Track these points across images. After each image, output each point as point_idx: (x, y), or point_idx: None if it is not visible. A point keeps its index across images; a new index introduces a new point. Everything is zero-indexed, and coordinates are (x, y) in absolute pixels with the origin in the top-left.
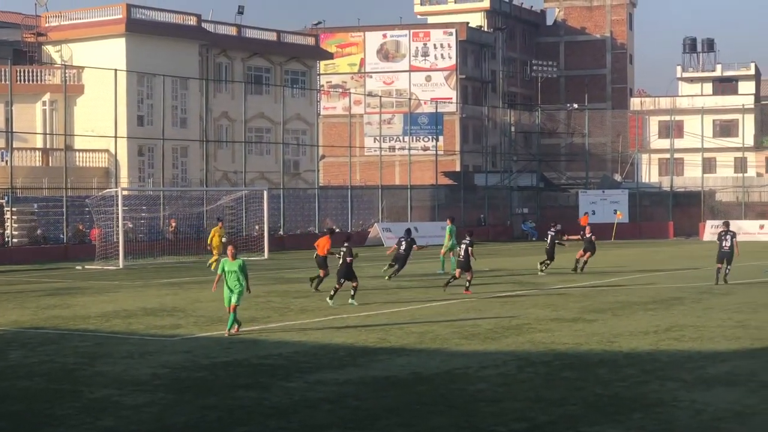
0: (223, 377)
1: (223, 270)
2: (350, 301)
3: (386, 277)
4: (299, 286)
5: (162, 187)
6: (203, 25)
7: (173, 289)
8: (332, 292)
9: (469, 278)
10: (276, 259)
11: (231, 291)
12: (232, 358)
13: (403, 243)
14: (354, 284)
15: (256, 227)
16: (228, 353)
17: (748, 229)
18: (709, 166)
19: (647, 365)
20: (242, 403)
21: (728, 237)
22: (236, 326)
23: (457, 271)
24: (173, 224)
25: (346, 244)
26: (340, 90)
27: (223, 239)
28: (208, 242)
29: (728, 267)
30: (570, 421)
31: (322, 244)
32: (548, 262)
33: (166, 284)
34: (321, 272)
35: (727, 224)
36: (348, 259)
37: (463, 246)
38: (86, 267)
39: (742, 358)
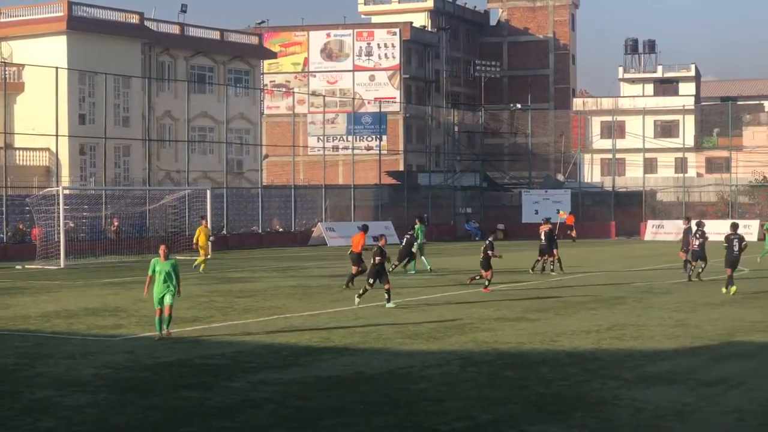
0: (166, 377)
1: (154, 270)
2: (388, 305)
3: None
4: (242, 286)
5: (104, 186)
6: (146, 23)
7: (115, 288)
8: (361, 291)
9: (489, 277)
10: (219, 258)
11: (163, 291)
12: (175, 358)
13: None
14: (386, 286)
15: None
16: (171, 353)
17: None
18: (650, 166)
19: (589, 364)
20: (185, 403)
21: (736, 241)
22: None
23: (483, 272)
24: (115, 224)
25: (377, 244)
26: (284, 89)
27: (211, 238)
28: (194, 242)
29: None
30: (512, 419)
31: (357, 241)
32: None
33: (108, 284)
34: (354, 269)
35: (735, 226)
36: (377, 259)
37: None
38: (26, 267)
39: (682, 357)
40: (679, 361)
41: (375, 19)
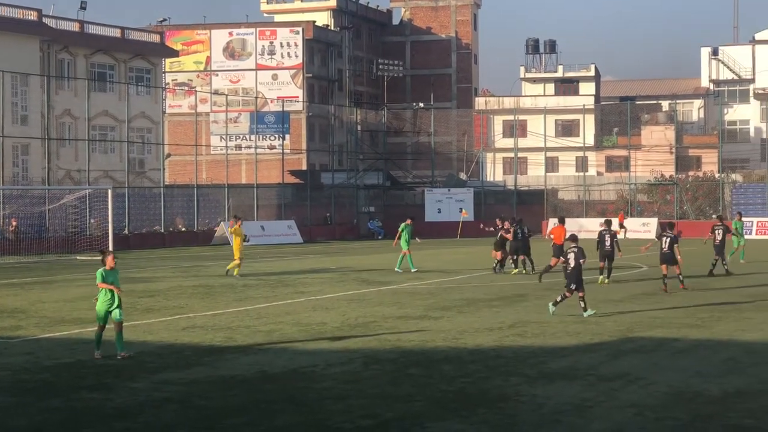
0: (66, 378)
1: (103, 281)
2: (586, 314)
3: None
4: (144, 286)
5: (1, 186)
6: (44, 20)
7: (14, 289)
8: (558, 299)
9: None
10: (121, 258)
11: (111, 305)
12: (76, 359)
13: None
14: (581, 294)
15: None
16: (72, 354)
17: (589, 227)
18: (551, 165)
19: (491, 361)
20: (86, 404)
21: (607, 236)
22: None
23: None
24: (14, 224)
25: (574, 245)
26: (186, 88)
27: (247, 239)
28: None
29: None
30: (416, 417)
31: (558, 233)
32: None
33: (7, 285)
34: (553, 261)
35: (608, 223)
36: (581, 261)
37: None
38: None
39: (582, 353)
40: (579, 357)
41: (278, 18)
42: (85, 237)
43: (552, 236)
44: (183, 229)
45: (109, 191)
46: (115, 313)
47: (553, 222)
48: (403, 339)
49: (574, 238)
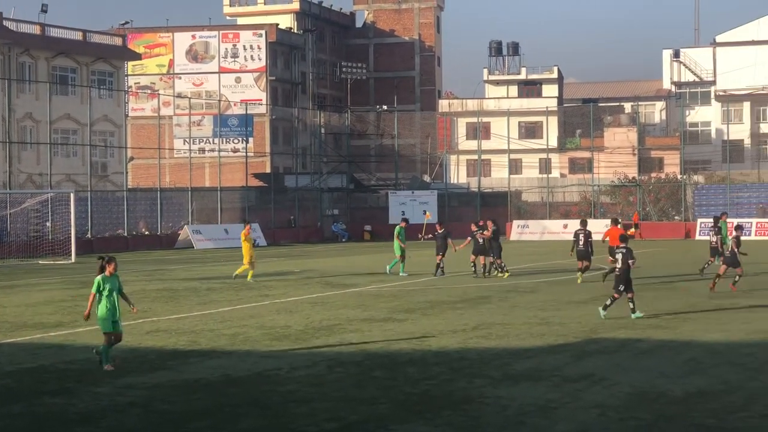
0: (28, 383)
1: (99, 289)
2: (634, 315)
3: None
4: None
5: None
6: (5, 23)
7: None
8: (608, 302)
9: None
10: (84, 262)
11: (114, 314)
12: (38, 364)
13: (581, 236)
14: (630, 294)
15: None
16: (34, 359)
17: (552, 229)
18: (515, 167)
19: (455, 363)
20: (49, 409)
21: (582, 236)
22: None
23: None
24: None
25: (623, 246)
26: (149, 91)
27: (256, 244)
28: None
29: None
30: (380, 419)
31: (613, 234)
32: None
33: None
34: (610, 260)
35: (584, 223)
36: (630, 262)
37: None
38: None
39: (547, 354)
40: (543, 358)
41: (241, 21)
42: (47, 241)
43: (608, 239)
44: (146, 232)
45: (72, 195)
46: (119, 324)
47: (605, 224)
48: (368, 342)
49: (624, 238)
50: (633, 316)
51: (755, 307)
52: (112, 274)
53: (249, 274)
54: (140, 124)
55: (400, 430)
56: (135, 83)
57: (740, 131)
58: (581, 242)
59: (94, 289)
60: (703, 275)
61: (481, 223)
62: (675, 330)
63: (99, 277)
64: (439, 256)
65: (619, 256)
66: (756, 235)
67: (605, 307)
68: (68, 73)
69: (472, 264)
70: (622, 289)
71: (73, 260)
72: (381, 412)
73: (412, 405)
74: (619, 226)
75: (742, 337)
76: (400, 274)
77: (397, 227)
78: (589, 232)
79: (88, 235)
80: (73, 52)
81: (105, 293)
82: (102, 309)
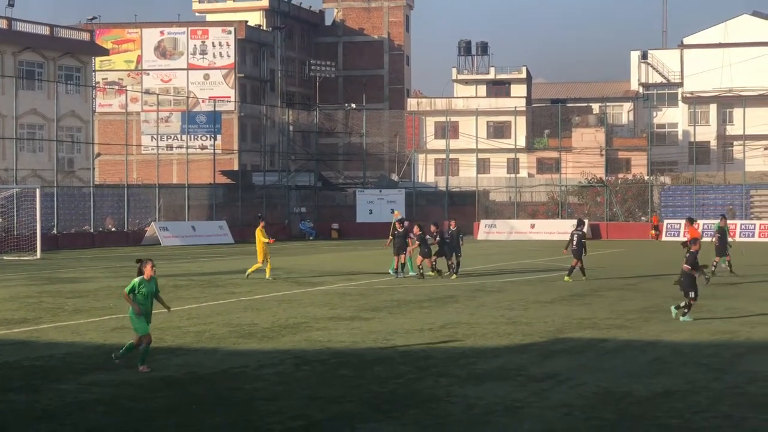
0: None
1: (134, 292)
2: (683, 318)
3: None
4: (73, 286)
5: None
6: None
7: None
8: (683, 305)
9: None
10: (49, 258)
11: (148, 317)
12: (2, 361)
13: (575, 236)
14: (691, 296)
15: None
16: None
17: (520, 228)
18: (483, 166)
19: (422, 362)
20: (12, 406)
21: (576, 236)
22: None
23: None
24: None
25: (692, 245)
26: (117, 87)
27: (265, 240)
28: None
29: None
30: (347, 418)
31: (693, 234)
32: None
33: None
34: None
35: (580, 223)
36: (685, 266)
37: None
38: None
39: (513, 353)
40: (509, 357)
41: (210, 18)
42: (12, 237)
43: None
44: (113, 229)
45: (38, 191)
46: (149, 326)
47: (572, 224)
48: (334, 340)
49: (694, 241)
50: (681, 317)
51: (718, 308)
52: (151, 277)
53: (267, 270)
54: (108, 120)
55: (366, 429)
56: (102, 79)
57: (707, 133)
58: (575, 242)
59: (127, 290)
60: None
61: (433, 229)
62: (640, 330)
63: (137, 280)
64: (402, 256)
65: (692, 252)
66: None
67: (684, 314)
68: (35, 68)
69: (420, 266)
70: (694, 295)
71: (38, 256)
72: (347, 410)
73: (378, 404)
74: (695, 225)
75: (706, 338)
76: (410, 273)
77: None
78: (584, 233)
79: (54, 231)
80: (40, 47)
81: (140, 297)
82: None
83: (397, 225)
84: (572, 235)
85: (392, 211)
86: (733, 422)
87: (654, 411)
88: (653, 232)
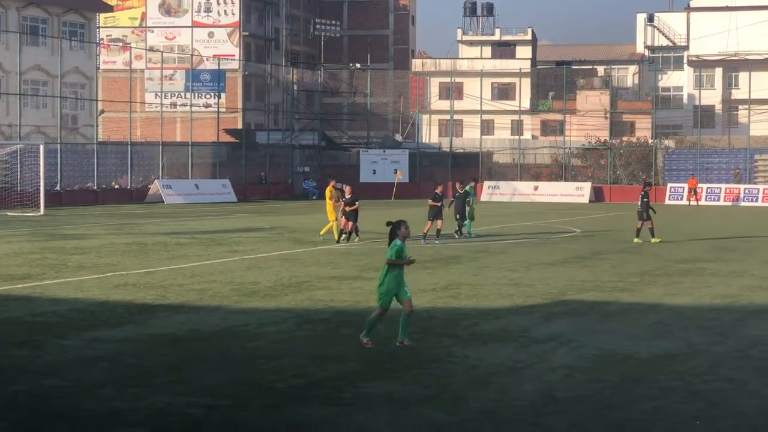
0: None
1: (399, 255)
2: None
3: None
4: (76, 243)
5: None
6: None
7: None
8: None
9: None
10: (52, 215)
11: (401, 282)
12: (5, 316)
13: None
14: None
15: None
16: (1, 311)
17: (523, 190)
18: (487, 128)
19: (424, 323)
20: (15, 361)
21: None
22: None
23: None
24: None
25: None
26: (121, 44)
27: (342, 200)
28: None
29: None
30: (349, 377)
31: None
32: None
33: None
34: None
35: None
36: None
37: None
38: None
39: (515, 315)
40: (512, 319)
41: None
42: (15, 192)
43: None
44: (126, 187)
45: (41, 147)
46: (404, 291)
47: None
48: (337, 299)
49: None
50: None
51: (720, 272)
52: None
53: (326, 228)
54: (111, 77)
55: (368, 388)
56: (107, 35)
57: (712, 97)
58: (639, 204)
59: (393, 255)
60: None
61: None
62: (642, 293)
63: (401, 243)
64: (439, 222)
65: None
66: (725, 200)
67: None
68: (39, 24)
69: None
70: None
71: (41, 212)
72: (349, 369)
73: (380, 363)
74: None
75: (707, 301)
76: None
77: (469, 186)
78: (645, 193)
79: (57, 188)
80: (44, 3)
81: (393, 267)
82: (390, 280)
83: (439, 189)
84: (641, 197)
85: (395, 172)
86: (734, 385)
87: (655, 373)
88: (692, 194)
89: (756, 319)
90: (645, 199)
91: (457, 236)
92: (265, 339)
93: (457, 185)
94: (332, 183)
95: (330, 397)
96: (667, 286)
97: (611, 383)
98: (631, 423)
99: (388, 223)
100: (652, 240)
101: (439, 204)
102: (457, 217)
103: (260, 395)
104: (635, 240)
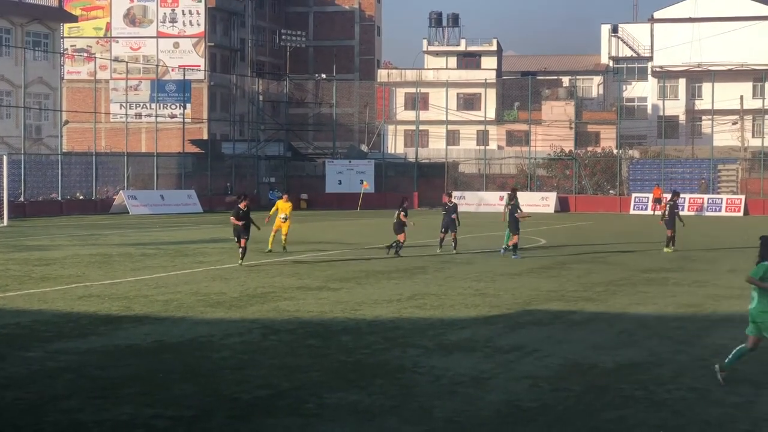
0: None
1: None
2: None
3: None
4: (40, 254)
5: None
6: None
7: None
8: None
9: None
10: (16, 226)
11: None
12: None
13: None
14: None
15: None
16: None
17: (489, 200)
18: (452, 138)
19: (390, 333)
20: None
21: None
22: None
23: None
24: None
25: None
26: (85, 54)
27: (281, 216)
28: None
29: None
30: (313, 387)
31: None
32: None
33: None
34: None
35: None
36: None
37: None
38: None
39: (480, 325)
40: (477, 329)
41: None
42: None
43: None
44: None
45: (5, 157)
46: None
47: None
48: (302, 310)
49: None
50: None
51: (684, 281)
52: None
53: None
54: (76, 87)
55: (333, 398)
56: (71, 46)
57: (676, 107)
58: (667, 212)
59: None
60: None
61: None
62: (607, 303)
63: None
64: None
65: None
66: (688, 210)
67: None
68: (2, 34)
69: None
70: None
71: (5, 224)
72: (314, 380)
73: (345, 373)
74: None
75: (672, 311)
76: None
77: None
78: (674, 204)
79: (21, 199)
80: (7, 13)
81: None
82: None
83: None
84: (670, 207)
85: (361, 182)
86: (697, 394)
87: (619, 383)
88: (657, 205)
89: (719, 328)
90: (675, 210)
91: (439, 250)
92: (231, 350)
93: (445, 198)
94: (285, 197)
95: (295, 408)
96: (631, 295)
97: (576, 393)
98: None
99: (763, 238)
100: (665, 249)
101: (515, 215)
102: (443, 230)
103: (225, 406)
104: (665, 249)
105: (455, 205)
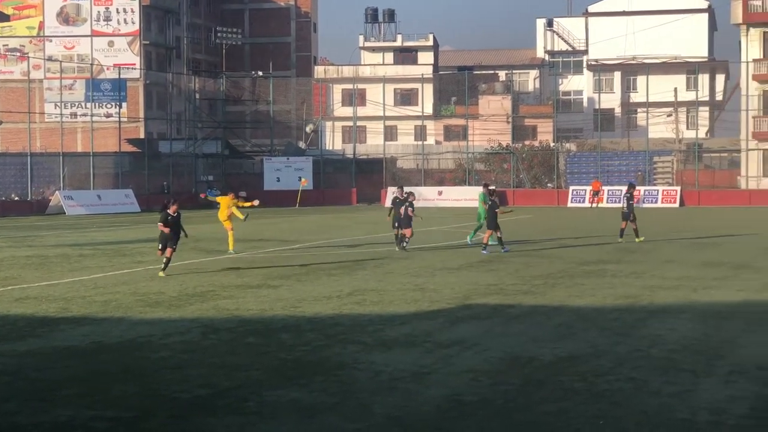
0: None
1: None
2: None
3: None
4: None
5: None
6: None
7: None
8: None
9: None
10: None
11: None
12: None
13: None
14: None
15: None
16: None
17: (427, 195)
18: (390, 133)
19: (329, 329)
20: None
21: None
22: None
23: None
24: None
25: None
26: (18, 54)
27: (232, 210)
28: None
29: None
30: (253, 386)
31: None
32: None
33: None
34: None
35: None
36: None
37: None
38: None
39: (420, 320)
40: (417, 324)
41: None
42: None
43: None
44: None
45: None
46: None
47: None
48: (242, 308)
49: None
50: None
51: (622, 272)
52: None
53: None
54: (9, 87)
55: (272, 396)
56: (3, 45)
57: (611, 100)
58: (625, 205)
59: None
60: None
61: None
62: (545, 296)
63: None
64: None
65: None
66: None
67: None
68: None
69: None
70: None
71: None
72: (254, 378)
73: (285, 371)
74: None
75: (610, 302)
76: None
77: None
78: (630, 195)
79: None
80: None
81: None
82: None
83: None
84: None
85: (300, 179)
86: (635, 385)
87: (559, 375)
88: (595, 197)
89: (656, 318)
90: (630, 201)
91: (398, 248)
92: (170, 349)
93: (396, 191)
94: (231, 195)
95: (235, 407)
96: (570, 288)
97: (516, 386)
98: (535, 425)
99: None
100: (637, 240)
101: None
102: (396, 225)
103: (165, 406)
104: (619, 240)
105: (406, 198)
